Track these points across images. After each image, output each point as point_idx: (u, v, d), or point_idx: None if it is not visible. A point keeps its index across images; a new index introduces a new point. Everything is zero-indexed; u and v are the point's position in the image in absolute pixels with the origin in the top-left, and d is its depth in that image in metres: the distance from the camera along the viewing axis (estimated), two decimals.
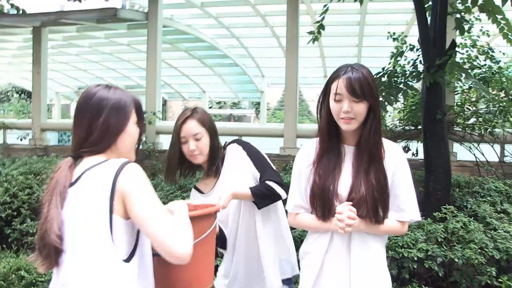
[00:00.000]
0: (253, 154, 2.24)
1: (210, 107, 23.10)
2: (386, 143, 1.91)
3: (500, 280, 3.16)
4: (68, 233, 1.47)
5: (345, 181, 1.86)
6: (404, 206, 1.88)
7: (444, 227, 3.54)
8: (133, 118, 1.62)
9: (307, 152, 1.97)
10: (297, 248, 2.19)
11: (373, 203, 1.80)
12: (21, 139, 8.65)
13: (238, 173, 2.21)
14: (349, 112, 1.79)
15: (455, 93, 6.17)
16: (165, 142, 8.09)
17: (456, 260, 3.24)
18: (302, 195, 1.96)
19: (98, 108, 1.56)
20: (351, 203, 1.79)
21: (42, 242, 1.45)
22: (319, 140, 1.93)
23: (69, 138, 12.42)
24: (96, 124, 1.55)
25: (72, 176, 1.52)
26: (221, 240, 2.18)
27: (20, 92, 23.04)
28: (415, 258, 3.27)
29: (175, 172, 2.25)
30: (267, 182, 2.15)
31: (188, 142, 2.17)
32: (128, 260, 1.46)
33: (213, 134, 2.24)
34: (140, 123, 1.65)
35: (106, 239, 1.43)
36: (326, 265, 1.91)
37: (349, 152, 1.90)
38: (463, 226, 3.55)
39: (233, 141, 2.32)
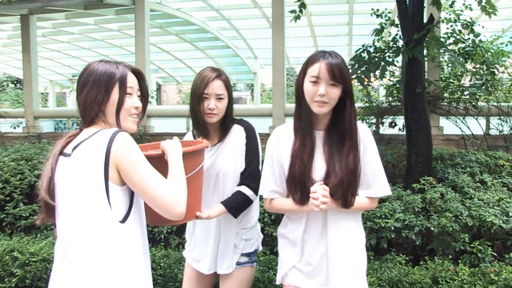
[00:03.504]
0: (250, 145, 2.29)
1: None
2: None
3: (472, 245, 3.28)
4: (63, 199, 1.61)
5: (319, 166, 1.94)
6: (374, 183, 1.98)
7: (422, 197, 3.64)
8: (116, 88, 1.68)
9: (277, 138, 2.04)
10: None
11: (347, 187, 1.90)
12: (14, 128, 8.72)
13: (233, 154, 2.29)
14: (324, 96, 1.86)
15: (440, 67, 6.23)
16: (156, 126, 8.16)
17: (432, 228, 3.35)
18: (276, 180, 2.03)
19: (84, 82, 1.67)
20: (322, 182, 1.89)
21: (38, 198, 1.64)
22: (295, 124, 2.00)
23: (65, 126, 12.48)
24: (80, 97, 1.68)
25: (66, 144, 1.66)
26: None
27: (15, 82, 22.97)
28: (393, 228, 3.38)
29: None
30: (242, 189, 2.24)
31: (210, 100, 2.24)
32: (123, 221, 1.60)
33: (231, 100, 2.32)
34: (121, 92, 1.68)
35: (104, 205, 1.56)
36: (305, 245, 2.02)
37: (319, 137, 1.97)
38: (441, 197, 3.65)
39: (242, 122, 2.37)
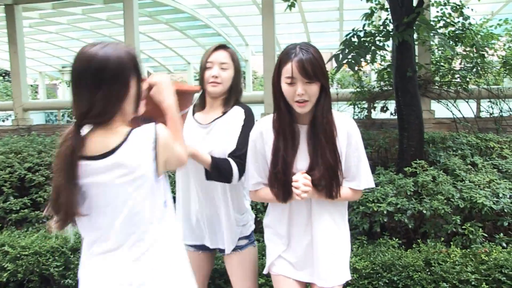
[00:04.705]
0: (247, 130, 2.18)
1: (196, 79, 22.88)
2: (337, 116, 1.97)
3: (464, 227, 3.29)
4: (109, 201, 1.57)
5: (302, 161, 1.93)
6: (357, 176, 1.98)
7: (414, 181, 3.65)
8: (133, 78, 1.58)
9: (260, 130, 2.01)
10: None
11: (330, 180, 1.89)
12: (3, 121, 8.62)
13: (228, 135, 2.22)
14: (303, 95, 1.83)
15: (431, 51, 6.21)
16: None
17: (425, 211, 3.36)
18: (260, 172, 2.03)
19: (96, 79, 1.50)
20: (304, 171, 1.88)
21: (56, 207, 1.55)
22: (274, 121, 1.96)
23: (55, 117, 12.37)
24: (97, 96, 1.50)
25: (84, 146, 1.55)
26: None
27: (3, 74, 22.71)
28: (385, 212, 3.39)
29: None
30: (232, 160, 2.15)
31: (213, 68, 2.22)
32: (164, 205, 1.67)
33: (238, 72, 2.28)
34: (138, 80, 1.61)
35: (158, 200, 1.63)
36: (290, 236, 2.04)
37: (303, 131, 1.94)
38: (433, 180, 3.66)
39: (244, 105, 2.31)
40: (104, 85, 1.50)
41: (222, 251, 2.34)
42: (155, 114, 1.77)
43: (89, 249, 1.64)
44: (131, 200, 1.57)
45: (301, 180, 1.84)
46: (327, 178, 1.88)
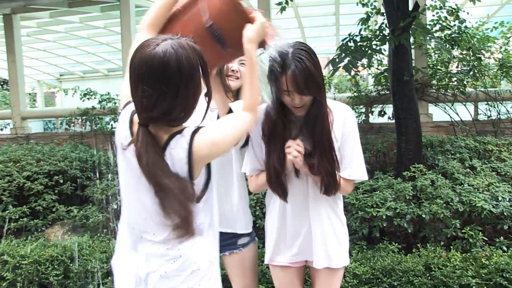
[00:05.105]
0: None
1: None
2: (336, 105, 1.98)
3: (463, 231, 3.29)
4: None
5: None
6: (350, 166, 1.97)
7: (412, 185, 3.65)
8: (200, 79, 1.52)
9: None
10: None
11: (328, 178, 1.91)
12: (1, 129, 8.62)
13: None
14: (301, 104, 1.85)
15: (427, 55, 6.23)
16: None
17: (424, 216, 3.36)
18: (259, 159, 2.04)
19: (172, 85, 1.43)
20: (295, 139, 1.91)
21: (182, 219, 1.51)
22: (272, 113, 1.95)
23: (54, 126, 12.35)
24: (175, 102, 1.45)
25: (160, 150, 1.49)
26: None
27: (1, 83, 22.70)
28: (384, 217, 3.38)
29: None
30: None
31: (233, 62, 2.25)
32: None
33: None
34: (205, 78, 1.53)
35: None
36: (287, 228, 2.05)
37: (298, 121, 1.94)
38: (431, 184, 3.66)
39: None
40: (181, 90, 1.44)
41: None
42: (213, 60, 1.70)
43: None
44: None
45: (293, 146, 1.86)
46: (324, 168, 1.89)
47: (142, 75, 1.44)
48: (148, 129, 1.48)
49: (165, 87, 1.42)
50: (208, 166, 1.60)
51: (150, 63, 1.42)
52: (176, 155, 1.49)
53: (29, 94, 19.20)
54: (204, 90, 1.56)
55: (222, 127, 1.58)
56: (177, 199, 1.47)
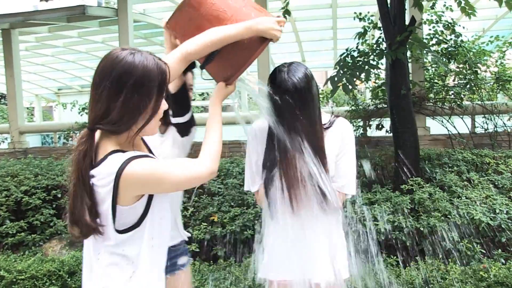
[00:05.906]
0: None
1: (193, 99, 23.01)
2: (334, 119, 2.00)
3: (462, 244, 3.29)
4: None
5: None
6: (341, 178, 1.97)
7: (410, 198, 3.66)
8: (155, 92, 1.44)
9: (254, 133, 2.05)
10: None
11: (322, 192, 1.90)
12: None
13: None
14: None
15: (424, 68, 6.28)
16: None
17: (422, 229, 3.36)
18: (255, 175, 2.04)
19: (118, 84, 1.38)
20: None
21: (73, 219, 1.40)
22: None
23: (52, 140, 12.34)
24: (115, 103, 1.39)
25: (93, 155, 1.43)
26: None
27: (0, 97, 22.74)
28: (382, 230, 3.38)
29: None
30: None
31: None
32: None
33: None
34: (159, 97, 1.45)
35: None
36: (283, 245, 2.02)
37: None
38: (429, 197, 3.67)
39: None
40: (125, 94, 1.38)
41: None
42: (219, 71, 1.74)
43: None
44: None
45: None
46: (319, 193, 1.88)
47: (97, 68, 1.44)
48: (93, 134, 1.44)
49: (109, 83, 1.38)
50: (149, 201, 1.46)
51: (106, 58, 1.43)
52: (104, 171, 1.39)
53: (27, 108, 19.20)
54: (162, 108, 1.48)
55: (170, 165, 1.45)
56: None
